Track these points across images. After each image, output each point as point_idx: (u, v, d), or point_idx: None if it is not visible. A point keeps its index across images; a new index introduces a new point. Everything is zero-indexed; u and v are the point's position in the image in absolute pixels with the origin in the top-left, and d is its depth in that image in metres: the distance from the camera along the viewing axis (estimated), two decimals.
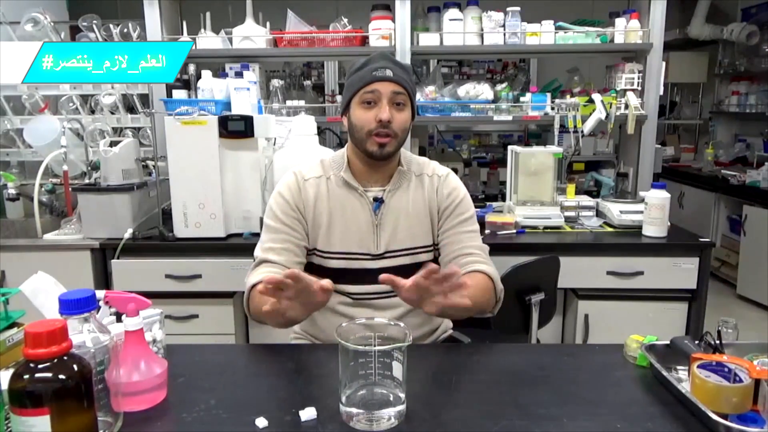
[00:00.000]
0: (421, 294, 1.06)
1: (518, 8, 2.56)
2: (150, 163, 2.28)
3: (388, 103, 1.31)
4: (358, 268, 1.37)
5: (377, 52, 1.37)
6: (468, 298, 1.12)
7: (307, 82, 3.25)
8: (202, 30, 2.63)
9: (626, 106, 2.54)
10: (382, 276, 1.04)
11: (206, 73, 2.21)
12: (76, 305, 0.84)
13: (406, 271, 1.38)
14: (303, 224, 1.38)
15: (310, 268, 1.43)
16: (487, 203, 2.60)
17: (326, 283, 1.03)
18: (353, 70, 1.36)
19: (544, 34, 2.57)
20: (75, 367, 0.76)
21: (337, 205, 1.38)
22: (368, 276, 1.37)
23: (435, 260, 1.44)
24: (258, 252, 1.37)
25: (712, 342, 1.06)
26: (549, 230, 2.30)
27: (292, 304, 1.06)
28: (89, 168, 2.30)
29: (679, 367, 1.09)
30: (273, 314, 1.08)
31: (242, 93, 2.12)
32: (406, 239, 1.39)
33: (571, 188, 2.44)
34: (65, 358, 0.76)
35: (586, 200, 2.44)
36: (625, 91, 2.58)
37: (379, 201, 1.38)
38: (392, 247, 1.38)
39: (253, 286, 1.27)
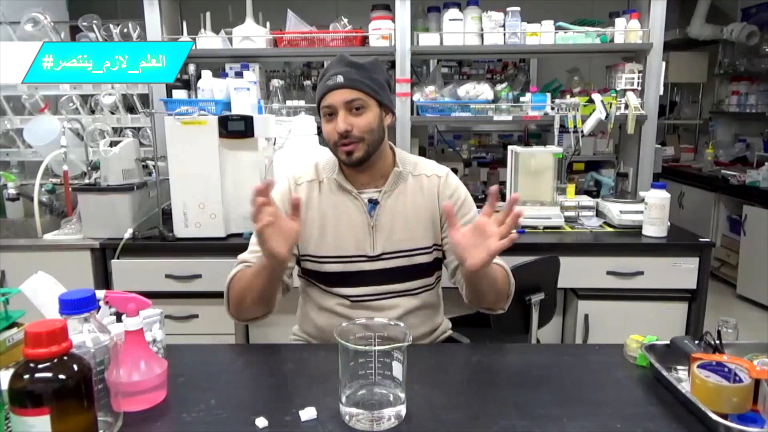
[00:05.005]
0: (474, 240, 1.07)
1: (518, 8, 2.55)
2: (150, 163, 2.28)
3: (345, 111, 1.29)
4: (355, 271, 1.37)
5: (336, 57, 1.34)
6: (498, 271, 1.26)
7: (307, 82, 3.25)
8: (202, 30, 2.63)
9: (626, 106, 2.54)
10: (445, 204, 1.14)
11: (206, 73, 2.21)
12: (76, 305, 0.84)
13: (404, 272, 1.38)
14: None
15: (305, 273, 1.43)
16: None
17: (295, 197, 1.17)
18: (318, 79, 1.36)
19: (544, 34, 2.57)
20: (75, 367, 0.76)
21: (329, 208, 1.37)
22: (366, 278, 1.37)
23: (435, 262, 1.43)
24: (241, 255, 1.37)
25: (712, 342, 1.06)
26: (549, 230, 2.30)
27: (272, 231, 1.11)
28: (89, 168, 2.30)
29: (679, 367, 1.09)
30: (255, 276, 1.20)
31: (242, 93, 2.12)
32: (403, 241, 1.38)
33: (571, 188, 2.43)
34: (65, 358, 0.76)
35: (586, 200, 2.43)
36: (625, 91, 2.58)
37: (374, 202, 1.37)
38: (389, 249, 1.37)
39: (232, 277, 1.30)
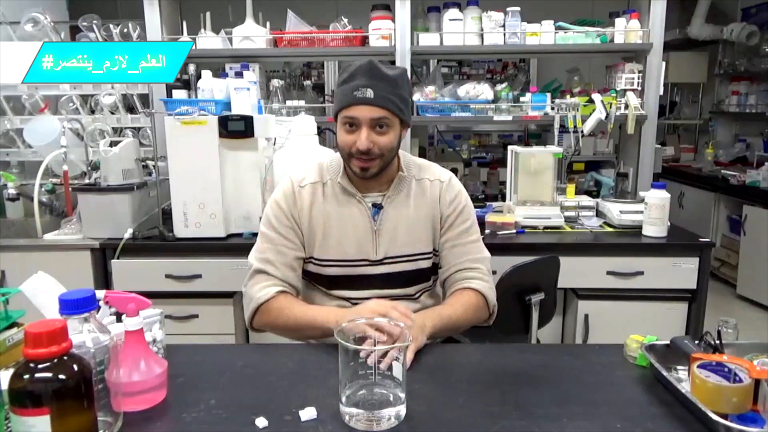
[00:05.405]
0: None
1: (518, 8, 2.56)
2: (150, 163, 2.28)
3: (368, 128, 1.26)
4: (357, 275, 1.37)
5: (365, 63, 1.28)
6: (452, 317, 1.28)
7: (307, 82, 3.25)
8: (202, 30, 2.63)
9: (626, 106, 2.54)
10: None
11: (206, 73, 2.21)
12: (76, 305, 0.84)
13: (405, 277, 1.38)
14: (298, 234, 1.38)
15: (307, 275, 1.43)
16: (487, 203, 2.60)
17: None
18: (340, 80, 1.31)
19: (544, 34, 2.57)
20: (75, 367, 0.76)
21: (333, 212, 1.37)
22: (368, 282, 1.37)
23: (434, 266, 1.44)
24: (254, 261, 1.37)
25: (712, 342, 1.06)
26: (549, 230, 2.30)
27: None
28: (89, 168, 2.30)
29: (679, 367, 1.09)
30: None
31: (242, 93, 2.12)
32: (405, 245, 1.38)
33: (571, 188, 2.43)
34: (65, 358, 0.76)
35: (586, 200, 2.43)
36: (625, 91, 2.58)
37: (378, 207, 1.37)
38: (391, 254, 1.37)
39: (264, 302, 1.31)
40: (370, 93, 1.24)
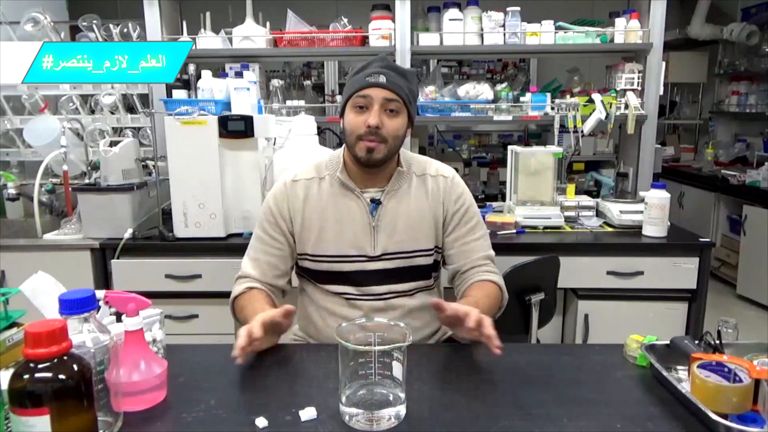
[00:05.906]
0: (456, 321, 1.12)
1: (518, 8, 2.55)
2: (150, 163, 2.28)
3: (380, 108, 1.28)
4: (355, 270, 1.37)
5: (377, 56, 1.35)
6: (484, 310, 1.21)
7: (307, 82, 3.26)
8: (202, 30, 2.63)
9: (626, 106, 2.54)
10: (432, 301, 1.12)
11: (206, 73, 2.21)
12: (76, 305, 0.84)
13: (403, 273, 1.38)
14: (287, 234, 1.39)
15: (303, 271, 1.43)
16: (487, 203, 2.60)
17: (288, 307, 1.14)
18: (351, 74, 1.36)
19: (544, 34, 2.57)
20: (75, 367, 0.76)
21: (330, 207, 1.37)
22: (365, 278, 1.37)
23: (435, 264, 1.43)
24: (244, 259, 1.42)
25: (712, 342, 1.06)
26: (549, 230, 2.30)
27: (263, 340, 1.12)
28: (89, 168, 2.30)
29: (679, 367, 1.09)
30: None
31: (242, 93, 2.12)
32: (404, 242, 1.37)
33: (571, 188, 2.43)
34: (65, 358, 0.76)
35: (586, 200, 2.43)
36: (625, 91, 2.58)
37: (376, 202, 1.36)
38: (390, 249, 1.37)
39: (235, 297, 1.36)
40: (382, 78, 1.28)
